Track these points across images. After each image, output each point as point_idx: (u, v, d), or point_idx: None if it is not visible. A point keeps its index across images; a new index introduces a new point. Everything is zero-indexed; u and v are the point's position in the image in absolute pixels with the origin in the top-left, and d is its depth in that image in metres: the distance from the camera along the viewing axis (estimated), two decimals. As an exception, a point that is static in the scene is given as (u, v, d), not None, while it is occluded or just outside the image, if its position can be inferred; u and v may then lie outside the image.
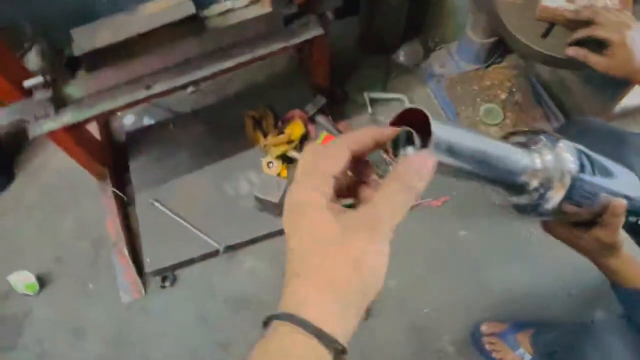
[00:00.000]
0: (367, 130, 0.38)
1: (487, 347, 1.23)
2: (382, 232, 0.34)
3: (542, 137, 0.49)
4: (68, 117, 1.14)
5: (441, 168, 0.38)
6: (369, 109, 1.63)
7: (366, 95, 1.64)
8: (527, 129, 0.53)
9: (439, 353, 1.29)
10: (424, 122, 0.37)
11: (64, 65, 1.48)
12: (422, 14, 1.78)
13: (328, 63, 1.50)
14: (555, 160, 0.47)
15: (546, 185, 0.47)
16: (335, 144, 0.37)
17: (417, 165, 0.34)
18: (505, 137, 0.54)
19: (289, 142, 1.47)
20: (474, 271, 1.38)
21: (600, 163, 0.56)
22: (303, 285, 0.34)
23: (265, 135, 1.50)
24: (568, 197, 0.49)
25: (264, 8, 1.30)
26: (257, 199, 1.37)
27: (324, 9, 1.23)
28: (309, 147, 0.39)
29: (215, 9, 1.31)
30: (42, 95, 1.10)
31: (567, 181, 0.47)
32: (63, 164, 1.61)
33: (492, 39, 1.50)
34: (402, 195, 0.34)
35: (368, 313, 1.33)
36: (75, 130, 1.31)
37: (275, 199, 1.33)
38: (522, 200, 0.50)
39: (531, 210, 0.50)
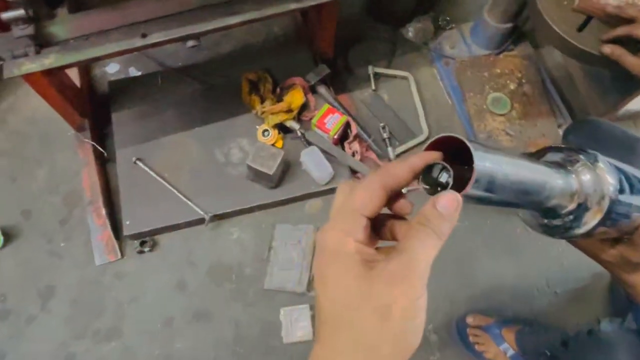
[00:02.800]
0: (402, 164, 0.36)
1: (471, 339, 1.23)
2: (413, 281, 0.32)
3: (581, 155, 0.46)
4: (51, 59, 1.01)
5: (478, 198, 0.36)
6: (372, 84, 1.55)
7: (370, 69, 1.56)
8: (563, 145, 0.49)
9: (422, 342, 1.28)
10: (460, 147, 0.34)
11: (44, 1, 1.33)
12: (436, -11, 1.69)
13: (334, 30, 1.40)
14: (594, 181, 0.44)
15: (583, 208, 0.44)
16: (369, 180, 0.35)
17: (443, 206, 0.33)
18: (539, 152, 0.51)
19: (288, 111, 1.38)
20: (462, 262, 1.37)
21: (637, 179, 0.53)
22: (330, 340, 0.32)
23: (262, 101, 1.41)
24: (603, 220, 0.45)
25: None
26: (250, 168, 1.29)
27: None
28: (343, 185, 0.37)
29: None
30: (22, 31, 0.97)
31: (606, 204, 0.44)
32: (35, 111, 1.48)
33: (508, 25, 1.44)
34: (431, 241, 0.32)
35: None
36: (55, 74, 1.19)
37: (269, 170, 1.26)
38: (554, 222, 0.47)
39: (562, 232, 0.47)
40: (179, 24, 1.06)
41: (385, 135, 1.46)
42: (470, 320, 1.25)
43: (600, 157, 0.46)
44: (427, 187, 0.36)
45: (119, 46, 1.03)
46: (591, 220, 0.45)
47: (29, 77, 1.12)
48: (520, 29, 1.55)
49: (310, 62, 1.52)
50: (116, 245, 1.33)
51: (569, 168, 0.46)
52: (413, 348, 0.32)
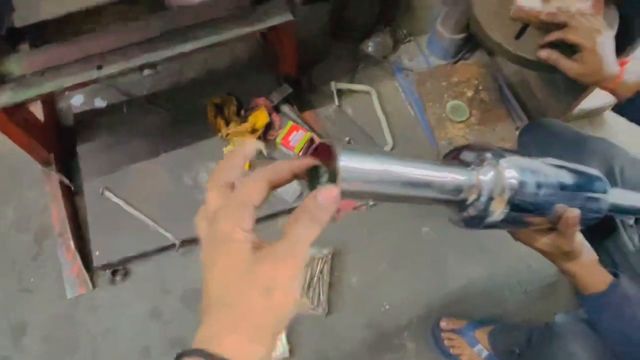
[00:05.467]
0: (283, 163, 0.41)
1: (446, 342, 1.24)
2: (291, 262, 0.36)
3: (488, 154, 0.51)
4: (5, 97, 1.03)
5: (360, 195, 0.41)
6: (336, 100, 1.58)
7: (333, 86, 1.60)
8: (475, 144, 0.55)
9: (399, 350, 1.29)
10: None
11: (4, 38, 1.35)
12: (393, 4, 1.75)
13: (296, 51, 1.44)
14: (495, 176, 0.50)
15: (486, 198, 0.50)
16: (254, 176, 0.39)
17: (322, 198, 0.36)
18: (455, 151, 0.57)
19: (253, 131, 1.40)
20: (435, 268, 1.39)
21: (554, 177, 0.57)
22: (215, 319, 0.35)
23: (227, 124, 1.43)
24: (514, 210, 0.51)
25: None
26: (218, 190, 1.30)
27: (294, -7, 1.17)
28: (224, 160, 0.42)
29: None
30: (-25, 71, 0.98)
31: (506, 195, 0.50)
32: (1, 147, 1.48)
33: (462, 35, 1.49)
34: (308, 227, 0.37)
35: (325, 309, 1.31)
36: (16, 110, 1.19)
37: (236, 191, 1.27)
38: (470, 213, 0.52)
39: (479, 222, 0.52)
40: (134, 54, 1.08)
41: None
42: (444, 324, 1.26)
43: (508, 155, 0.50)
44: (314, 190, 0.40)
45: (74, 79, 1.04)
46: (497, 208, 0.51)
47: (-12, 116, 1.13)
48: (475, 38, 1.61)
49: (274, 82, 1.55)
50: (87, 277, 1.32)
51: (472, 166, 0.51)
52: (287, 321, 0.36)
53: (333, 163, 0.38)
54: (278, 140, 1.40)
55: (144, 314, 1.31)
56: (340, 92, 1.61)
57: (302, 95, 1.58)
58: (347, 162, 0.37)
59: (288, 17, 1.16)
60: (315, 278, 1.34)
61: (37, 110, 1.43)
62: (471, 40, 1.59)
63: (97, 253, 1.31)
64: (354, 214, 1.43)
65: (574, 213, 0.58)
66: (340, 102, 1.60)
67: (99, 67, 1.06)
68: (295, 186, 1.37)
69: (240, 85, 1.53)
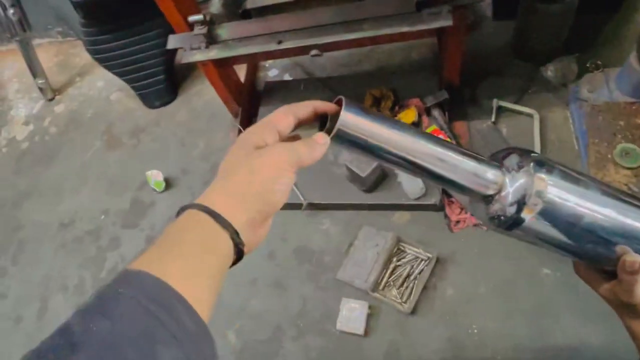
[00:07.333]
0: (309, 102, 0.51)
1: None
2: (275, 158, 0.47)
3: (532, 164, 0.50)
4: (213, 53, 1.36)
5: (355, 144, 0.49)
6: (493, 117, 1.55)
7: (495, 102, 1.56)
8: (532, 153, 0.52)
9: (472, 380, 1.24)
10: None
11: (240, 15, 1.74)
12: (592, 30, 1.59)
13: (460, 59, 1.46)
14: (526, 182, 0.49)
15: (514, 200, 0.49)
16: (285, 107, 0.51)
17: (318, 139, 0.50)
18: (506, 150, 0.55)
19: (396, 126, 1.49)
20: (542, 314, 1.26)
21: (611, 212, 0.52)
22: (213, 186, 0.48)
23: (378, 115, 1.56)
24: (544, 219, 0.49)
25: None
26: (347, 168, 1.44)
27: (460, 2, 1.21)
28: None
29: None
30: (199, 30, 1.33)
31: (535, 205, 0.48)
32: (212, 96, 1.90)
33: (659, 72, 1.29)
34: (304, 148, 0.49)
35: (411, 308, 1.33)
36: (221, 66, 1.55)
37: (362, 172, 1.39)
38: (497, 211, 0.51)
39: (509, 225, 0.51)
40: (306, 36, 1.29)
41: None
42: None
43: (554, 173, 0.49)
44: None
45: (259, 48, 1.31)
46: (527, 215, 0.49)
47: (202, 65, 1.50)
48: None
49: (435, 87, 1.60)
50: (234, 209, 1.63)
51: (506, 166, 0.52)
52: (270, 202, 0.47)
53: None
54: (417, 139, 1.46)
55: (263, 251, 1.55)
56: (500, 110, 1.56)
57: (460, 105, 1.59)
58: (347, 113, 0.47)
59: (447, 22, 1.21)
60: (412, 277, 1.37)
61: (242, 73, 1.80)
62: (680, 82, 1.35)
63: (245, 193, 1.60)
64: (473, 231, 1.40)
65: (632, 258, 0.52)
66: (497, 120, 1.55)
67: (279, 42, 1.31)
68: (421, 185, 1.41)
69: (403, 83, 1.63)
